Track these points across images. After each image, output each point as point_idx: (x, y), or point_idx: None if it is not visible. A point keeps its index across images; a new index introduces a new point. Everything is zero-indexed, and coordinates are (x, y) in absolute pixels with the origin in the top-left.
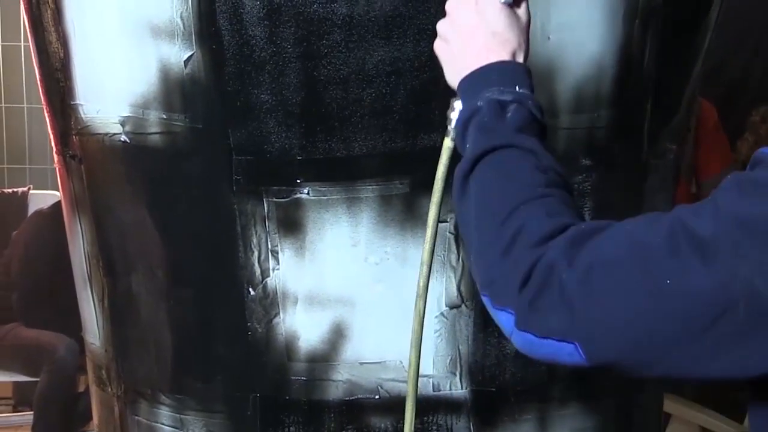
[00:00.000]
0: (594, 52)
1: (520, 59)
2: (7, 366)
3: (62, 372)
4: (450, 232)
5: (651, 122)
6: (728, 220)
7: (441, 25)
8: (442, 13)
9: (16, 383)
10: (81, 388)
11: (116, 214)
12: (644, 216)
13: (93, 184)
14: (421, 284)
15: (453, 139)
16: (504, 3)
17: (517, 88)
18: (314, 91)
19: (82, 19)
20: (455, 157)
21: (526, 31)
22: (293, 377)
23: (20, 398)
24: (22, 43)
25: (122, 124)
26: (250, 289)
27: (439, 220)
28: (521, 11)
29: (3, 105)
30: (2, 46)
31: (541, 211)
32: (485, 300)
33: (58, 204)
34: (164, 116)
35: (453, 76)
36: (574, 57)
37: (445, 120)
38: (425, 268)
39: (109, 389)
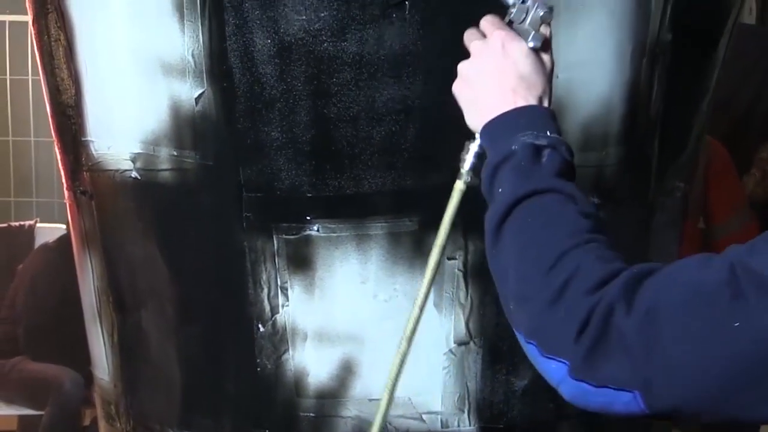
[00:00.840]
0: (602, 90)
1: (546, 104)
2: (13, 399)
3: (67, 405)
4: (459, 270)
5: (659, 160)
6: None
7: (464, 67)
8: (464, 54)
9: (21, 416)
10: (86, 422)
11: (126, 250)
12: (695, 258)
13: (103, 220)
14: (410, 327)
15: (466, 182)
16: (532, 47)
17: (548, 133)
18: (324, 128)
19: (94, 56)
20: (465, 199)
21: (550, 76)
22: (302, 413)
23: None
24: (30, 77)
25: (133, 160)
26: (260, 326)
27: (448, 257)
28: (546, 57)
29: (10, 138)
30: (10, 79)
31: (591, 256)
32: (530, 348)
33: (64, 237)
34: (175, 153)
35: (476, 119)
36: (583, 95)
37: (455, 159)
38: (416, 311)
39: (118, 425)
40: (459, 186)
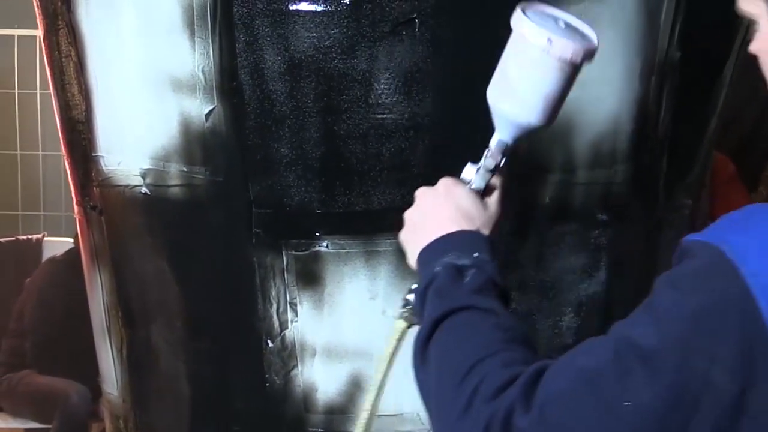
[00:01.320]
0: (611, 108)
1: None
2: (20, 412)
3: (74, 419)
4: None
5: (667, 177)
6: (671, 320)
7: (407, 213)
8: (473, 70)
9: (27, 430)
10: None
11: (136, 265)
12: (586, 342)
13: (113, 235)
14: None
15: (406, 319)
16: (474, 188)
17: (476, 255)
18: (334, 145)
19: (104, 72)
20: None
21: (493, 219)
22: (311, 429)
23: None
24: (38, 91)
25: (143, 176)
26: (269, 341)
27: None
28: (491, 201)
29: (18, 152)
30: (18, 93)
31: (497, 364)
32: None
33: (71, 251)
34: (185, 169)
35: (414, 254)
36: (592, 113)
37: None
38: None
39: None
40: (397, 325)
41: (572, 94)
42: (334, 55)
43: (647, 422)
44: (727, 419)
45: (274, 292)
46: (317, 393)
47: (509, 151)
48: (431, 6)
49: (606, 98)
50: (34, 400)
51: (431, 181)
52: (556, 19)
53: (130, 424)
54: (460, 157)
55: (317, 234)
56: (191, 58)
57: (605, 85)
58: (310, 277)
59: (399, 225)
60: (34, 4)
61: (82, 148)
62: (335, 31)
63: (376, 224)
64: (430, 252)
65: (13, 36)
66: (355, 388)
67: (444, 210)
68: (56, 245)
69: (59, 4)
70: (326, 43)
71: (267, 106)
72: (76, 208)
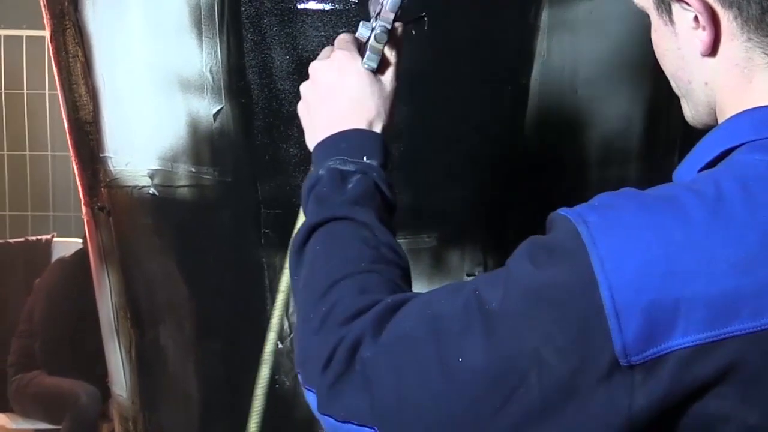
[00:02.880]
0: (622, 106)
1: (378, 128)
2: (30, 413)
3: (84, 420)
4: None
5: None
6: (517, 289)
7: (303, 88)
8: (478, 69)
9: (37, 431)
10: None
11: (144, 266)
12: (449, 284)
13: (121, 236)
14: (267, 350)
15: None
16: (367, 68)
17: (365, 159)
18: None
19: (112, 72)
20: (485, 217)
21: (389, 99)
22: (321, 431)
23: None
24: (47, 92)
25: (151, 176)
26: (278, 343)
27: (468, 274)
28: (386, 78)
29: (27, 153)
30: (27, 94)
31: (355, 288)
32: (300, 378)
33: (80, 252)
34: (193, 169)
35: (310, 143)
36: (603, 111)
37: (474, 175)
38: (272, 335)
39: None
40: (301, 215)
41: (582, 92)
42: None
43: (475, 382)
44: (555, 398)
45: None
46: None
47: (398, 7)
48: (441, 3)
49: (617, 96)
50: (44, 401)
51: (440, 181)
52: None
53: (139, 425)
54: (469, 155)
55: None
56: (199, 57)
57: (616, 83)
58: None
59: (408, 224)
60: (41, 4)
61: (89, 149)
62: (343, 30)
63: None
64: (320, 151)
65: (22, 36)
66: None
67: (337, 101)
68: (65, 246)
69: (66, 4)
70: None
71: (275, 106)
72: (84, 209)
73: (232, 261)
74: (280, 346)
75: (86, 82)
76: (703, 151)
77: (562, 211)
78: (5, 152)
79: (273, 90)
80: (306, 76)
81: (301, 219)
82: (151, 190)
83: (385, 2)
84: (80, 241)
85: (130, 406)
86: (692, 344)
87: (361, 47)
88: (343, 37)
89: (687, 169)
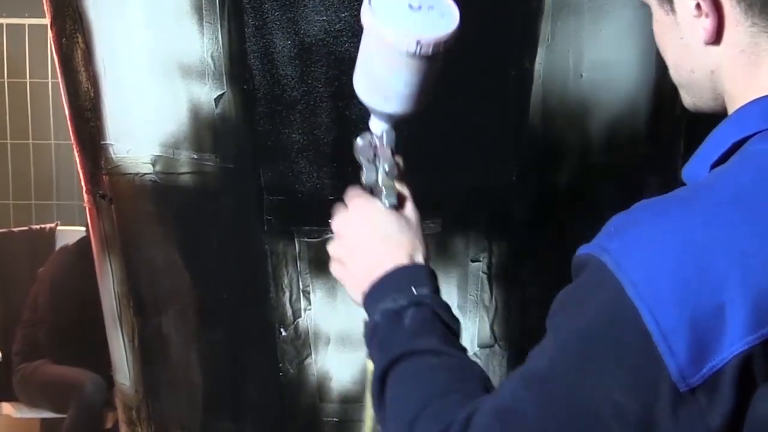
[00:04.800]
0: (628, 89)
1: (419, 259)
2: (35, 402)
3: (89, 408)
4: (483, 272)
5: (685, 158)
6: (567, 345)
7: (332, 248)
8: (485, 54)
9: (43, 420)
10: (109, 425)
11: (146, 254)
12: (512, 376)
13: (123, 224)
14: None
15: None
16: (389, 206)
17: (414, 291)
18: (346, 130)
19: (112, 59)
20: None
21: (419, 228)
22: (325, 418)
23: None
24: (50, 80)
25: (153, 163)
26: (282, 330)
27: (472, 260)
28: (408, 211)
29: (30, 141)
30: (30, 82)
31: (430, 419)
32: None
33: (83, 240)
34: (195, 156)
35: (357, 297)
36: (608, 95)
37: (477, 160)
38: None
39: (140, 430)
40: (370, 365)
41: (587, 76)
42: (345, 39)
43: None
44: None
45: (286, 280)
46: (331, 382)
47: (395, 140)
48: None
49: (622, 79)
50: (49, 389)
51: (444, 167)
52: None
53: (142, 413)
54: (473, 141)
55: (329, 221)
56: (200, 43)
57: (621, 67)
58: (323, 265)
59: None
60: None
61: (90, 136)
62: (346, 14)
63: None
64: (369, 300)
65: (24, 25)
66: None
67: (371, 246)
68: (69, 234)
69: None
70: (337, 26)
71: (277, 91)
72: (85, 196)
73: (235, 248)
74: (283, 334)
75: (87, 69)
76: (714, 144)
77: (581, 250)
78: (8, 141)
79: (275, 75)
80: (307, 63)
81: (370, 366)
82: (153, 177)
83: (381, 141)
84: (84, 229)
85: (134, 395)
86: (744, 348)
87: (372, 192)
88: (352, 190)
89: (698, 164)
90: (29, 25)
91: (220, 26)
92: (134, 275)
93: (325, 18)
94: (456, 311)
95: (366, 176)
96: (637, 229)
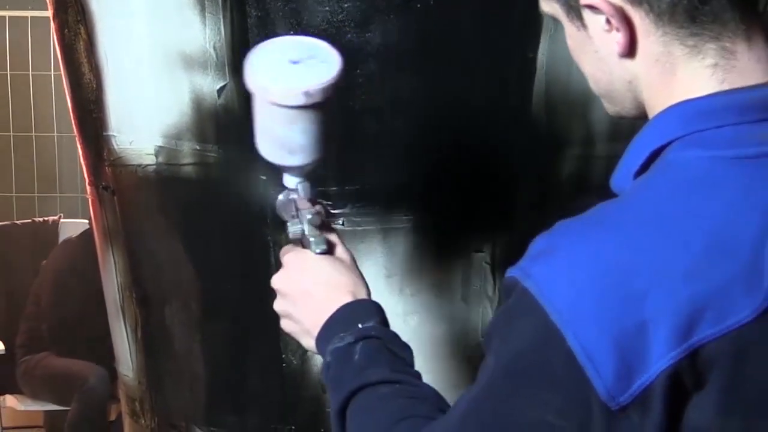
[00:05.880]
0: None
1: (362, 295)
2: (38, 395)
3: (93, 401)
4: (486, 262)
5: None
6: (498, 371)
7: (277, 306)
8: (486, 43)
9: (47, 412)
10: (112, 417)
11: (150, 246)
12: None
13: (126, 216)
14: None
15: None
16: (319, 253)
17: (360, 326)
18: (348, 121)
19: (114, 50)
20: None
21: (355, 268)
22: (328, 410)
23: (51, 427)
24: (52, 72)
25: (155, 154)
26: None
27: (476, 250)
28: (339, 253)
29: (33, 134)
30: (32, 75)
31: None
32: None
33: (86, 232)
34: (197, 147)
35: (311, 345)
36: None
37: (483, 151)
38: None
39: (143, 421)
40: None
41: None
42: (347, 29)
43: None
44: None
45: None
46: None
47: (311, 190)
48: None
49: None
50: (53, 382)
51: (448, 157)
52: (285, 51)
53: (146, 405)
54: (480, 131)
55: (333, 211)
56: (202, 34)
57: None
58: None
59: (415, 203)
60: None
61: (93, 128)
62: (348, 4)
63: (393, 201)
64: (320, 343)
65: (27, 17)
66: None
67: (312, 295)
68: (72, 227)
69: None
70: (339, 16)
71: None
72: (88, 188)
73: (238, 239)
74: None
75: (89, 60)
76: (634, 153)
77: (508, 272)
78: (11, 133)
79: None
80: None
81: None
82: (156, 168)
83: (298, 194)
84: (87, 222)
85: (137, 387)
86: (670, 363)
87: (302, 244)
88: (283, 249)
89: (623, 174)
90: (32, 17)
91: (223, 17)
92: (137, 267)
93: (327, 8)
94: (459, 302)
95: (291, 231)
96: (556, 254)
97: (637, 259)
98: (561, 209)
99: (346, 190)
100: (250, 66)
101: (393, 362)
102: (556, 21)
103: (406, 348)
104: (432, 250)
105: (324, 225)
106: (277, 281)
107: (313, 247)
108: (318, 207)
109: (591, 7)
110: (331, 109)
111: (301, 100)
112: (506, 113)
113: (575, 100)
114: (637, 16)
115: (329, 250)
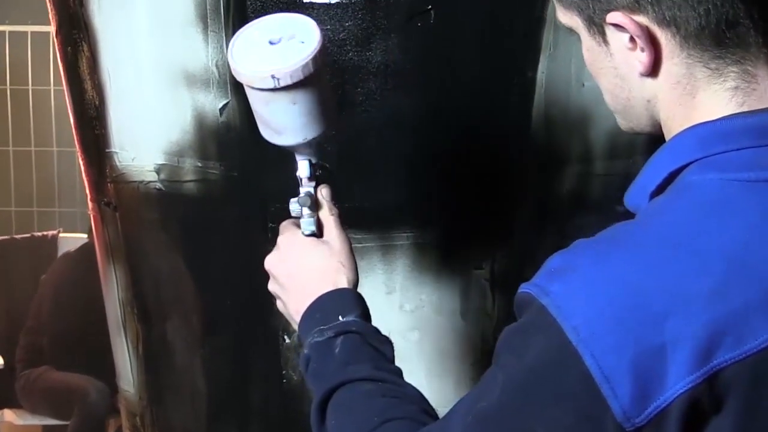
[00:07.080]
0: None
1: (343, 284)
2: (37, 409)
3: (92, 415)
4: (485, 279)
5: None
6: (509, 385)
7: (270, 286)
8: (485, 61)
9: (45, 427)
10: (111, 431)
11: (151, 262)
12: (451, 410)
13: (128, 232)
14: None
15: None
16: (308, 234)
17: (340, 318)
18: (349, 138)
19: (117, 67)
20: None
21: (343, 252)
22: None
23: None
24: (52, 87)
25: (157, 171)
26: (285, 337)
27: (475, 267)
28: (330, 235)
29: (33, 148)
30: (32, 90)
31: None
32: None
33: (85, 246)
34: (199, 164)
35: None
36: None
37: (484, 167)
38: None
39: None
40: None
41: (589, 84)
42: (349, 48)
43: None
44: None
45: None
46: None
47: (318, 168)
48: None
49: None
50: (52, 396)
51: (448, 175)
52: (268, 30)
53: (146, 420)
54: (480, 149)
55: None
56: (205, 52)
57: None
58: None
59: (414, 220)
60: None
61: (95, 144)
62: (350, 23)
63: (393, 218)
64: (302, 332)
65: (27, 32)
66: None
67: (298, 277)
68: (71, 241)
69: None
70: (341, 35)
71: None
72: (90, 204)
73: (239, 256)
74: (287, 341)
75: (92, 77)
76: (651, 173)
77: (523, 288)
78: (11, 148)
79: None
80: None
81: None
82: (158, 185)
83: (299, 172)
84: (86, 236)
85: (138, 402)
86: (688, 387)
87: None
88: (282, 223)
89: (637, 192)
90: (32, 32)
91: (225, 35)
92: (139, 282)
93: (329, 27)
94: (458, 319)
95: (291, 209)
96: (575, 273)
97: (656, 282)
98: (560, 227)
99: (346, 207)
100: (231, 47)
101: (375, 359)
102: (571, 32)
103: (387, 342)
104: (431, 267)
105: (318, 205)
106: (267, 262)
107: (302, 228)
108: (322, 187)
109: (616, 26)
110: (318, 85)
111: (269, 84)
112: (506, 131)
113: (574, 118)
114: (664, 37)
115: (319, 231)
